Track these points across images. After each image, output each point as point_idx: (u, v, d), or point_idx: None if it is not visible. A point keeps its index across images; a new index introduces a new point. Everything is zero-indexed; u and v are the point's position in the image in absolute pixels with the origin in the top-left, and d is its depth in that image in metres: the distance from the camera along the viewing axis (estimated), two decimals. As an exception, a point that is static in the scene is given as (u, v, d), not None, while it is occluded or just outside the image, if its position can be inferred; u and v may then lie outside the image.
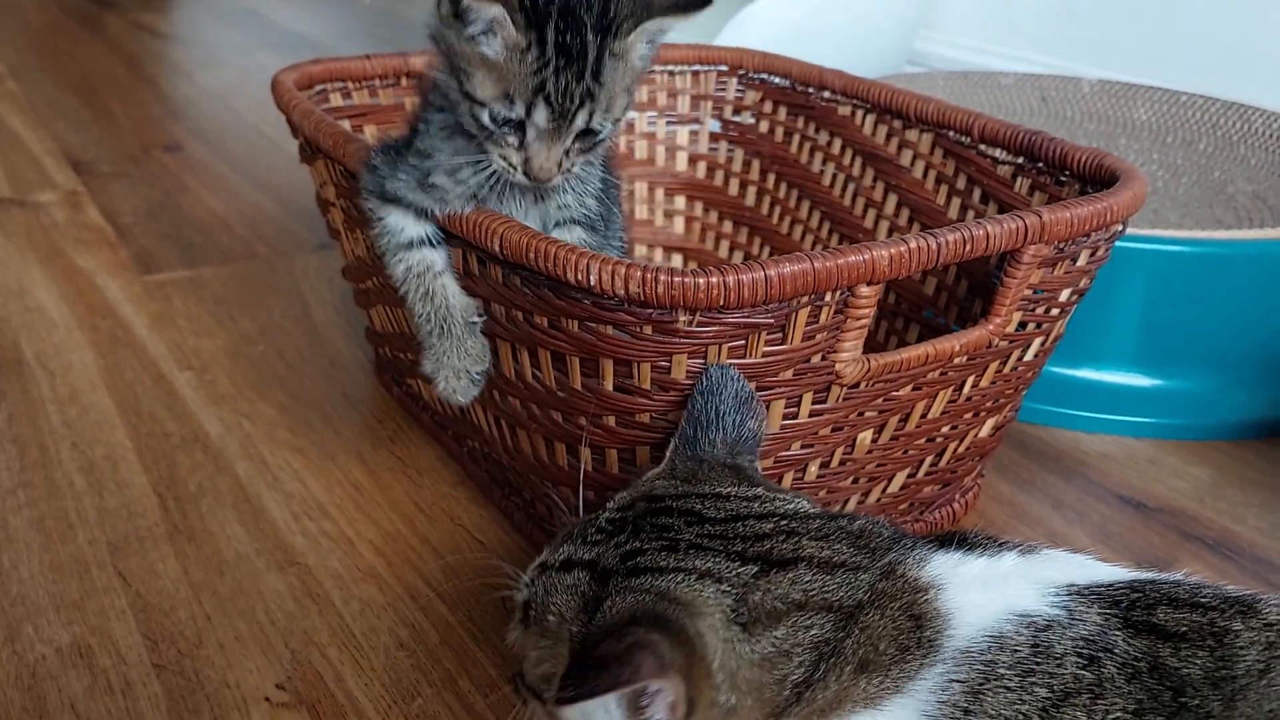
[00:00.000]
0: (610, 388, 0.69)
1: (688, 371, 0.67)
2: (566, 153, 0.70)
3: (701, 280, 0.62)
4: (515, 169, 0.70)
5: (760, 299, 0.64)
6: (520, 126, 0.68)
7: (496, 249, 0.67)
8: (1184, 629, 0.46)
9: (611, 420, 0.71)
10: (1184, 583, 0.49)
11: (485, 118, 0.68)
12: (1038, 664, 0.46)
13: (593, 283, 0.63)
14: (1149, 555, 0.87)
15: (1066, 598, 0.48)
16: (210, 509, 0.89)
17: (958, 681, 0.46)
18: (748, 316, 0.65)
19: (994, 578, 0.50)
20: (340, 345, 1.15)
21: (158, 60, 2.32)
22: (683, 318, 0.64)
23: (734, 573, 0.50)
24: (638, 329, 0.65)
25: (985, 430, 0.86)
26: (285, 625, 0.77)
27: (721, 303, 0.63)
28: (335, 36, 2.54)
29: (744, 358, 0.66)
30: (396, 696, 0.71)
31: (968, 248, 0.69)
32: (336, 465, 0.95)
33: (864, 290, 0.67)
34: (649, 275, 0.62)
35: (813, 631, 0.49)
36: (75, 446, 0.96)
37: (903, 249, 0.67)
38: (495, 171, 0.70)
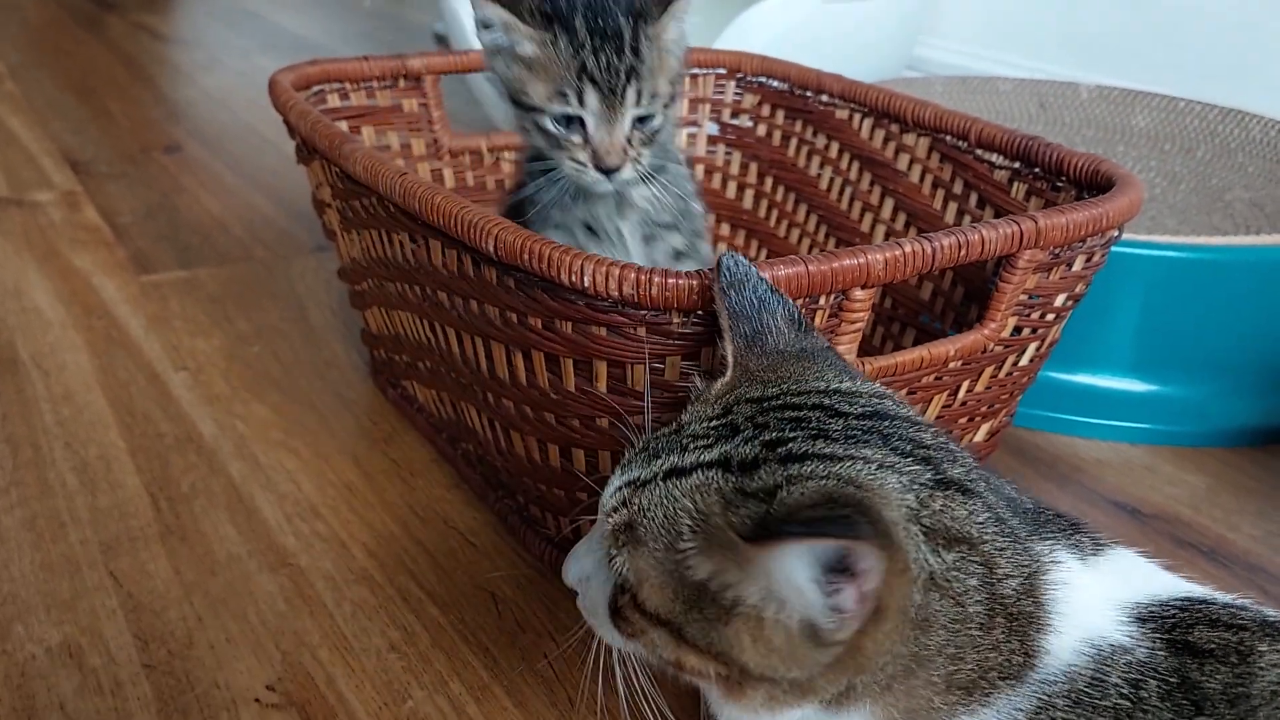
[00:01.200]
0: (604, 389, 0.69)
1: (681, 374, 0.67)
2: (629, 140, 0.73)
3: (695, 282, 0.62)
4: (586, 165, 0.73)
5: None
6: (580, 122, 0.72)
7: (491, 250, 0.67)
8: (1212, 646, 0.46)
9: (605, 422, 0.70)
10: (1231, 604, 0.49)
11: (548, 124, 0.72)
12: (1088, 694, 0.46)
13: (586, 284, 0.63)
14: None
15: (1131, 624, 0.47)
16: (203, 509, 0.88)
17: (1020, 711, 0.46)
18: (742, 319, 0.65)
19: (1088, 598, 0.48)
20: (336, 347, 1.15)
21: (158, 61, 2.33)
22: (676, 319, 0.64)
23: (909, 469, 0.47)
24: (631, 330, 0.65)
25: (980, 435, 0.86)
26: (276, 626, 0.76)
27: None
28: (335, 39, 2.54)
29: (738, 360, 0.66)
30: (387, 698, 0.71)
31: (963, 252, 0.69)
32: (330, 466, 0.94)
33: (858, 294, 0.67)
34: (643, 277, 0.62)
35: (971, 581, 0.46)
36: (69, 446, 0.96)
37: (898, 253, 0.66)
38: (576, 183, 0.72)
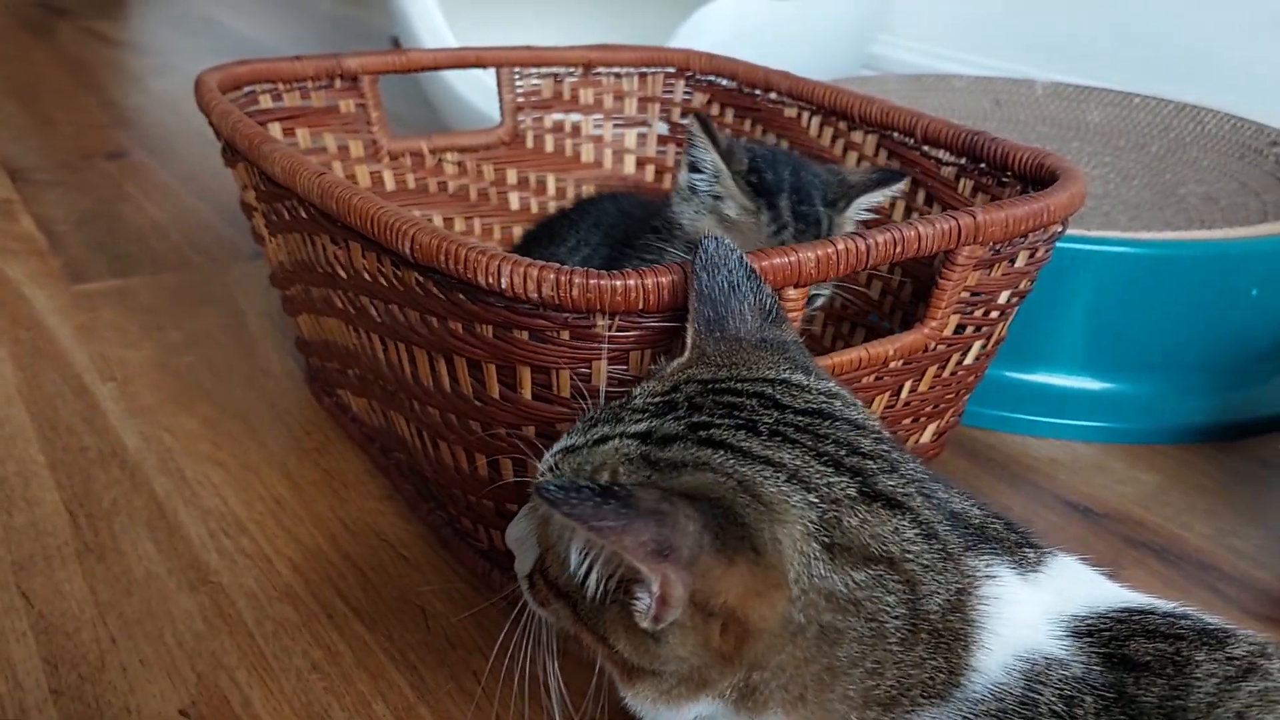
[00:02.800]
0: (528, 396, 0.66)
1: (609, 379, 0.64)
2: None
3: (619, 283, 0.59)
4: None
5: (680, 302, 0.61)
6: None
7: (408, 251, 0.64)
8: (1149, 658, 0.44)
9: (531, 431, 0.68)
10: (1171, 613, 0.47)
11: None
12: (1018, 713, 0.43)
13: (504, 285, 0.60)
14: (1095, 563, 0.85)
15: (1068, 638, 0.45)
16: (123, 526, 0.85)
17: None
18: (670, 320, 0.62)
19: (1022, 613, 0.46)
20: (272, 355, 1.11)
21: (108, 67, 2.28)
22: (601, 322, 0.62)
23: (826, 482, 0.46)
24: (554, 334, 0.62)
25: (927, 436, 0.84)
26: (193, 647, 0.73)
27: (641, 306, 0.60)
28: (291, 43, 2.50)
29: (665, 363, 0.64)
30: (307, 722, 0.67)
31: (898, 249, 0.67)
32: (259, 479, 0.91)
33: (790, 293, 0.65)
34: (563, 277, 0.59)
35: (889, 599, 0.44)
36: (-13, 462, 0.92)
37: (830, 251, 0.64)
38: None
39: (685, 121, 1.20)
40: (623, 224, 0.92)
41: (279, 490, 0.90)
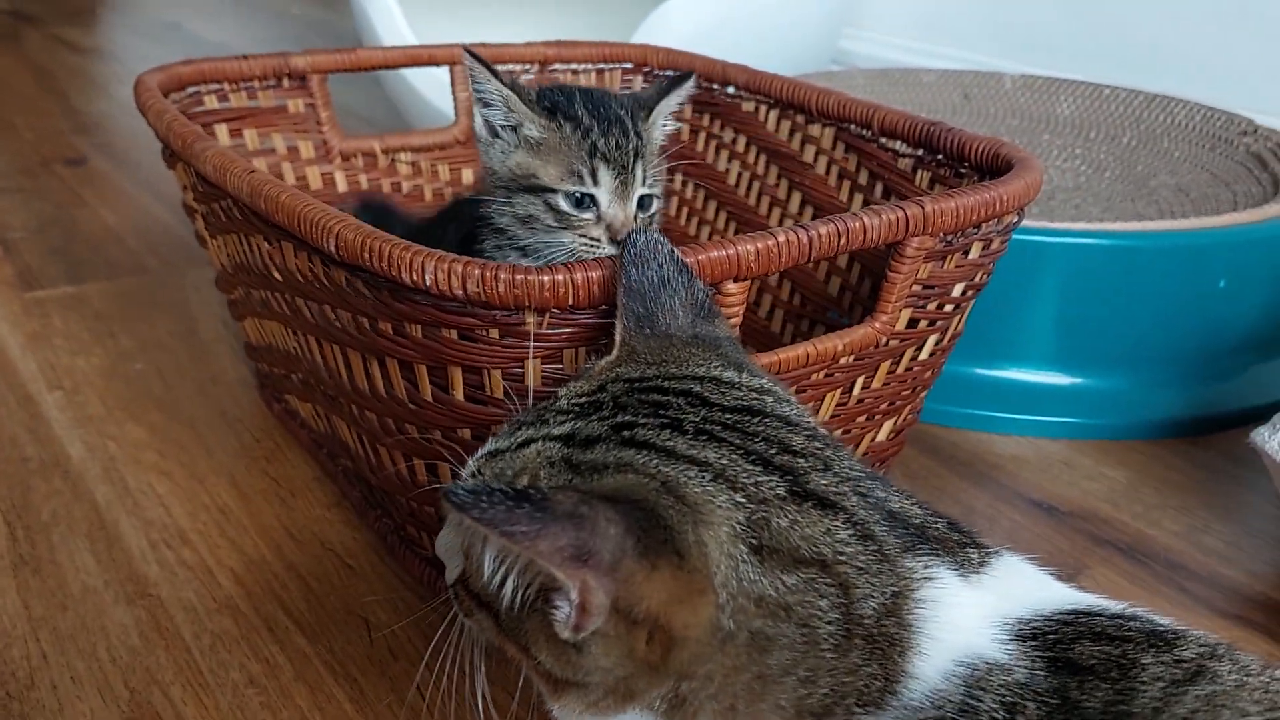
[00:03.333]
0: (461, 398, 0.64)
1: (543, 378, 0.62)
2: (635, 219, 0.77)
3: (546, 278, 0.57)
4: (600, 240, 0.76)
5: (613, 297, 0.59)
6: (592, 200, 0.75)
7: (333, 249, 0.62)
8: (1094, 662, 0.42)
9: (467, 433, 0.65)
10: (1119, 615, 0.44)
11: (561, 203, 0.75)
12: (959, 719, 0.41)
13: (429, 283, 0.58)
14: (1059, 562, 0.83)
15: (1011, 641, 0.43)
16: (61, 538, 0.82)
17: None
18: (604, 316, 0.60)
19: (962, 616, 0.44)
20: (225, 361, 1.09)
21: (73, 74, 2.25)
22: (530, 319, 0.59)
23: (754, 481, 0.44)
24: (483, 333, 0.60)
25: (883, 434, 0.82)
26: (128, 663, 0.71)
27: (571, 302, 0.58)
28: (260, 47, 2.46)
29: (602, 362, 0.62)
30: (239, 739, 0.65)
31: (842, 241, 0.65)
32: (204, 488, 0.89)
33: (730, 287, 0.62)
34: (488, 274, 0.57)
35: (821, 604, 0.42)
36: (-76, 475, 0.90)
37: (770, 243, 0.62)
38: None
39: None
40: (470, 221, 0.87)
41: (225, 499, 0.87)
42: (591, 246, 0.76)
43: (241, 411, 1.00)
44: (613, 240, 0.76)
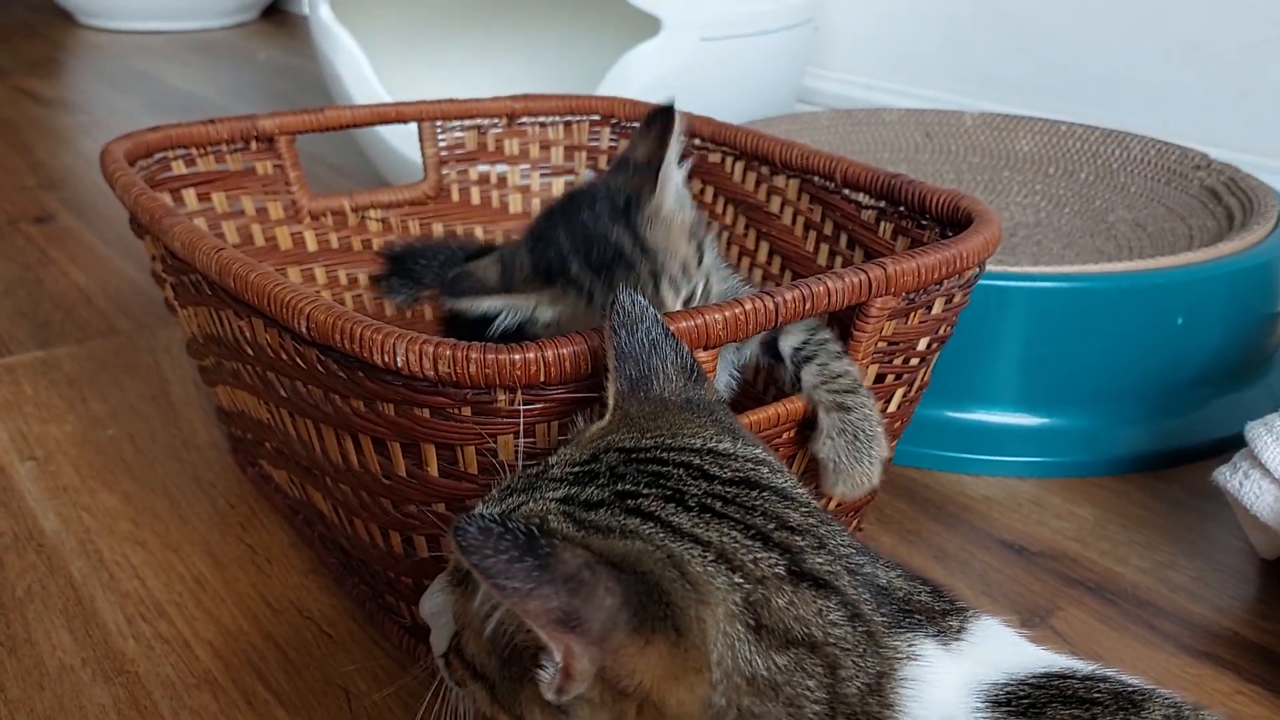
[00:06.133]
0: (435, 473, 0.64)
1: (515, 453, 0.62)
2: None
3: (518, 356, 0.58)
4: None
5: (585, 372, 0.60)
6: None
7: (304, 329, 0.62)
8: None
9: (441, 507, 0.66)
10: (1090, 676, 0.45)
11: None
12: None
13: (399, 364, 0.59)
14: (1030, 604, 0.84)
15: (987, 709, 0.44)
16: (37, 615, 0.82)
17: None
18: (575, 391, 0.61)
19: (942, 690, 0.44)
20: (197, 425, 1.09)
21: (37, 127, 2.24)
22: (502, 396, 0.60)
23: (752, 559, 0.44)
24: (456, 410, 0.61)
25: (855, 486, 0.82)
26: (106, 745, 0.71)
27: (542, 379, 0.59)
28: (227, 95, 2.48)
29: (574, 434, 0.62)
30: (221, 820, 0.65)
31: (808, 305, 0.66)
32: (180, 558, 0.88)
33: (701, 355, 0.63)
34: (459, 354, 0.58)
35: (809, 683, 0.42)
36: (-105, 553, 0.89)
37: (738, 311, 0.63)
38: None
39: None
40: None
41: (200, 569, 0.87)
42: None
43: (215, 476, 1.00)
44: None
